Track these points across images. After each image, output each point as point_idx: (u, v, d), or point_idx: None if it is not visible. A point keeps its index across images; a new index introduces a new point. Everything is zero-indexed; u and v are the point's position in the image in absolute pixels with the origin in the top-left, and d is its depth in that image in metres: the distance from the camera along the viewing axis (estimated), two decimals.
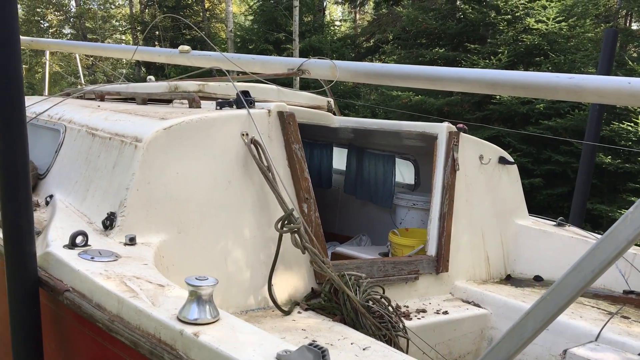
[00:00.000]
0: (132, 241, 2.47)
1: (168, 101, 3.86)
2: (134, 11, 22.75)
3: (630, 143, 9.34)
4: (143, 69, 18.91)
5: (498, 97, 10.74)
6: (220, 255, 2.82)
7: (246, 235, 2.93)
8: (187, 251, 2.71)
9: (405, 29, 14.22)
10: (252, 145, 2.96)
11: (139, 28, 20.57)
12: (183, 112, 3.03)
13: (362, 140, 5.16)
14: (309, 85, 13.77)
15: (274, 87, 4.43)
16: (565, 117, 10.46)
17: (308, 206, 3.14)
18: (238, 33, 17.32)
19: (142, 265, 2.25)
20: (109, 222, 2.55)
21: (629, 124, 9.40)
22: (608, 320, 3.07)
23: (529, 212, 4.46)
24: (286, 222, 2.83)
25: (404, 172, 5.17)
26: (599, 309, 3.39)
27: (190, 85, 3.98)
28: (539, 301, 1.20)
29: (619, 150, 9.30)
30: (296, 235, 2.83)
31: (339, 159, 5.61)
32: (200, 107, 3.35)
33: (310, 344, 1.58)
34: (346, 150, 5.42)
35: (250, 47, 16.40)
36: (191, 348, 1.71)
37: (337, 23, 21.42)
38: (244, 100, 3.07)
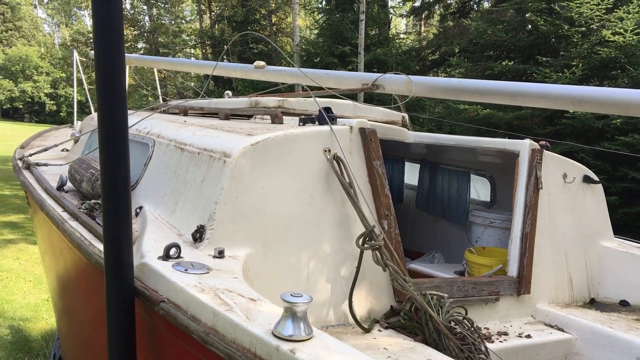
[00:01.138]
0: (221, 254, 2.52)
1: (249, 116, 3.95)
2: (203, 26, 23.48)
3: None
4: (211, 83, 19.46)
5: (572, 111, 10.38)
6: (302, 270, 2.84)
7: (327, 250, 2.94)
8: (270, 265, 2.74)
9: (473, 41, 14.01)
10: (335, 161, 2.98)
11: (208, 42, 21.20)
12: (268, 128, 3.09)
13: (435, 156, 5.10)
14: (372, 98, 13.77)
15: (349, 102, 4.46)
16: None
17: (388, 223, 3.13)
18: (303, 47, 17.55)
19: (232, 278, 2.30)
20: (198, 235, 2.62)
21: None
22: None
23: (613, 234, 4.27)
24: (367, 238, 2.83)
25: (479, 189, 5.07)
26: None
27: (270, 100, 4.05)
28: None
29: None
30: (377, 252, 2.82)
31: (410, 174, 5.57)
32: (282, 123, 3.41)
33: None
34: (418, 165, 5.37)
35: (315, 60, 16.59)
36: None
37: (402, 36, 21.35)
38: (327, 117, 3.11)
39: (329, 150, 3.00)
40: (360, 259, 2.87)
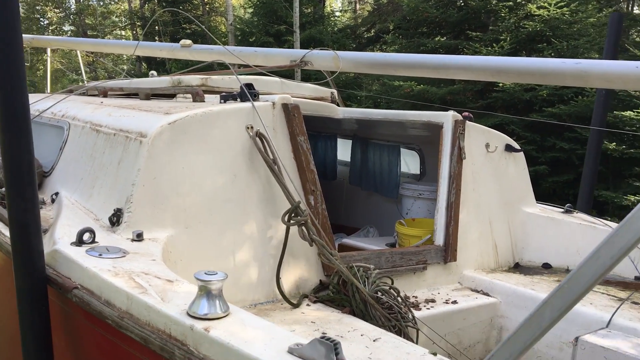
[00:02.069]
0: (139, 237, 2.46)
1: (171, 96, 3.84)
2: (132, 7, 22.69)
3: (635, 129, 9.28)
4: (144, 65, 18.86)
5: (501, 84, 10.67)
6: (227, 249, 2.81)
7: (253, 228, 2.92)
8: (194, 246, 2.70)
9: (406, 18, 14.14)
10: (257, 139, 2.95)
11: (138, 23, 20.52)
12: (187, 107, 3.01)
13: (366, 131, 5.13)
14: (310, 76, 13.71)
15: (277, 79, 4.40)
16: (569, 103, 10.40)
17: (315, 198, 3.13)
18: (238, 26, 17.25)
19: (150, 261, 2.24)
20: (115, 219, 2.55)
21: (631, 112, 9.34)
22: (619, 307, 3.05)
23: (535, 200, 4.43)
24: (293, 214, 2.82)
25: (409, 162, 5.14)
26: (609, 295, 3.37)
27: (193, 79, 3.95)
28: (557, 290, 1.18)
29: (623, 136, 9.23)
30: (303, 227, 2.82)
31: (343, 150, 5.59)
32: (204, 101, 3.33)
33: (322, 337, 1.57)
34: (350, 141, 5.39)
35: (251, 40, 16.33)
36: (202, 343, 1.70)
37: (337, 14, 21.31)
38: (248, 93, 3.05)
39: (252, 127, 2.96)
40: (287, 235, 2.87)
